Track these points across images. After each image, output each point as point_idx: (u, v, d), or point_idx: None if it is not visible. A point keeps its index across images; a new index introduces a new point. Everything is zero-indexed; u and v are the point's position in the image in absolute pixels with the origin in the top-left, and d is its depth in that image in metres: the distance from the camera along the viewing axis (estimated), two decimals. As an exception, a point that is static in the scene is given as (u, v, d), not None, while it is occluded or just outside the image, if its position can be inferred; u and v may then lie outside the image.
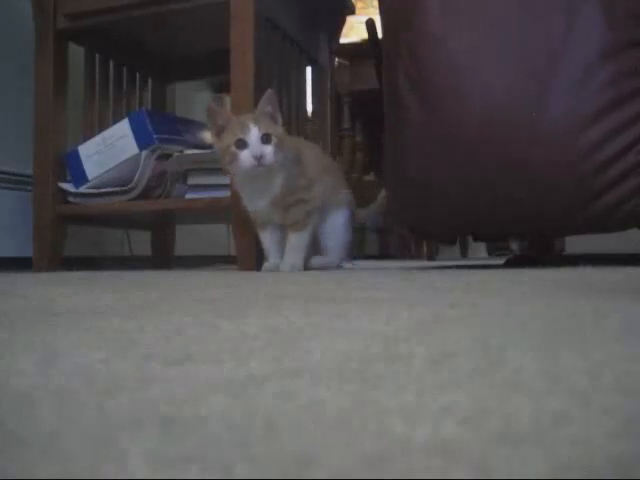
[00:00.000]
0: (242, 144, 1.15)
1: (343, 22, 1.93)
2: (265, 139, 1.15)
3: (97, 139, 1.59)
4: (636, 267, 0.99)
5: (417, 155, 1.09)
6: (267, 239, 1.29)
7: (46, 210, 1.58)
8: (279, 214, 1.25)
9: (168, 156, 1.53)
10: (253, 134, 1.15)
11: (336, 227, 1.32)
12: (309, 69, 1.81)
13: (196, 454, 0.15)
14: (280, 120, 1.22)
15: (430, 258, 2.54)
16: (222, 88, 2.46)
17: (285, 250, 1.26)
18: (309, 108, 1.80)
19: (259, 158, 1.14)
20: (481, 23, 1.03)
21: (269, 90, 1.22)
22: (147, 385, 0.23)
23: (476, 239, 1.51)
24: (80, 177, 1.59)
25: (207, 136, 1.21)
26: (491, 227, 1.15)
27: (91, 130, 1.67)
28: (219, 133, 1.19)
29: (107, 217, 1.66)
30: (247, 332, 0.36)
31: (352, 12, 1.95)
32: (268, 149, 1.15)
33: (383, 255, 2.98)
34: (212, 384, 0.23)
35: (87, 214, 1.60)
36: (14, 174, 1.70)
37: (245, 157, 1.15)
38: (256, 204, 1.24)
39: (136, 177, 1.51)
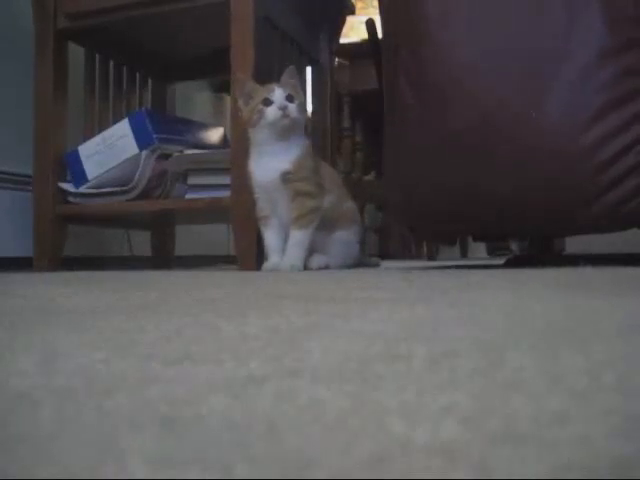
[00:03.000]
0: (268, 102, 1.27)
1: (343, 22, 1.93)
2: (289, 98, 1.28)
3: (97, 139, 1.59)
4: (636, 267, 0.99)
5: (417, 154, 1.09)
6: (269, 237, 1.29)
7: (46, 210, 1.58)
8: (285, 198, 1.27)
9: (168, 156, 1.53)
10: (278, 93, 1.27)
11: (344, 243, 1.36)
12: (309, 69, 1.81)
13: (196, 454, 0.15)
14: (301, 94, 1.34)
15: (430, 258, 2.54)
16: (222, 88, 2.46)
17: (286, 248, 1.27)
18: (309, 108, 1.80)
19: (284, 109, 1.25)
20: (481, 23, 1.03)
21: (291, 66, 1.33)
22: (147, 385, 0.23)
23: (476, 239, 1.51)
24: (80, 177, 1.59)
25: (238, 104, 1.34)
26: (491, 227, 1.14)
27: (91, 130, 1.67)
28: (246, 101, 1.30)
29: (107, 217, 1.66)
30: (247, 332, 0.36)
31: (352, 12, 1.95)
32: (292, 105, 1.27)
33: (383, 255, 2.98)
34: (212, 384, 0.23)
35: (87, 214, 1.60)
36: (14, 174, 1.70)
37: (271, 110, 1.26)
38: (267, 174, 1.28)
39: (136, 177, 1.51)
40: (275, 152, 1.28)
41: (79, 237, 1.81)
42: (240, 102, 1.31)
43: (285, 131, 1.27)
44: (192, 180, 1.50)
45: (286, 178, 1.26)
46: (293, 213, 1.26)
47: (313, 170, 1.30)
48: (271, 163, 1.28)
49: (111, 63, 1.77)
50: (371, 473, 0.14)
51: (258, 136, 1.29)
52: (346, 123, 2.38)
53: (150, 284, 0.89)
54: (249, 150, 1.32)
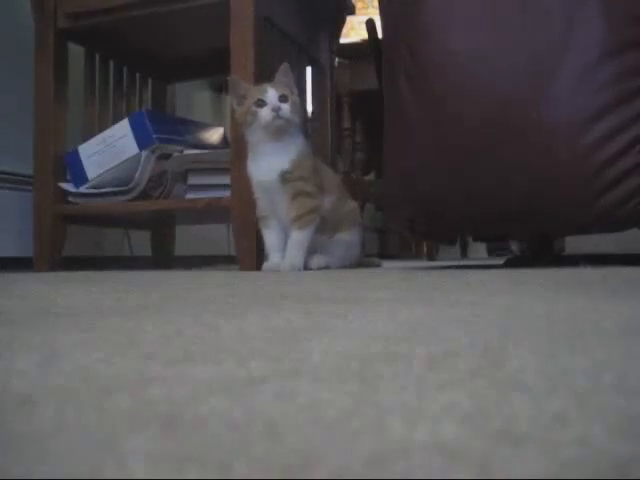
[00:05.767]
0: (261, 103, 1.27)
1: (343, 22, 1.93)
2: (282, 99, 1.27)
3: (97, 139, 1.59)
4: (636, 267, 0.99)
5: (417, 154, 1.09)
6: (269, 237, 1.30)
7: (46, 210, 1.58)
8: (284, 198, 1.27)
9: (168, 156, 1.53)
10: (271, 93, 1.27)
11: (346, 244, 1.37)
12: (309, 69, 1.81)
13: (196, 454, 0.15)
14: (295, 91, 1.32)
15: (430, 258, 2.54)
16: (222, 88, 2.46)
17: (286, 249, 1.27)
18: (309, 108, 1.80)
19: (277, 110, 1.24)
20: (481, 23, 1.03)
21: (284, 63, 1.32)
22: (147, 385, 0.23)
23: (476, 239, 1.51)
24: (80, 177, 1.59)
25: (231, 105, 1.35)
26: (491, 227, 1.14)
27: (91, 130, 1.67)
28: (240, 102, 1.30)
29: (107, 217, 1.66)
30: (247, 332, 0.36)
31: (352, 12, 1.95)
32: (285, 105, 1.26)
33: (383, 255, 2.98)
34: (212, 384, 0.23)
35: (87, 214, 1.60)
36: (14, 174, 1.70)
37: (264, 112, 1.26)
38: (266, 174, 1.28)
39: (136, 177, 1.51)
40: (272, 152, 1.28)
41: (79, 237, 1.81)
42: (234, 103, 1.32)
43: (279, 132, 1.27)
44: (192, 180, 1.50)
45: (285, 177, 1.26)
46: (293, 213, 1.26)
47: (312, 170, 1.30)
48: (270, 163, 1.28)
49: (111, 63, 1.77)
50: (371, 473, 0.14)
51: (253, 137, 1.30)
52: (346, 123, 2.38)
53: (150, 284, 0.89)
54: (247, 150, 1.32)
